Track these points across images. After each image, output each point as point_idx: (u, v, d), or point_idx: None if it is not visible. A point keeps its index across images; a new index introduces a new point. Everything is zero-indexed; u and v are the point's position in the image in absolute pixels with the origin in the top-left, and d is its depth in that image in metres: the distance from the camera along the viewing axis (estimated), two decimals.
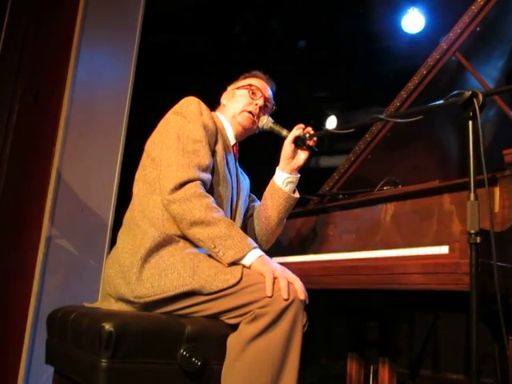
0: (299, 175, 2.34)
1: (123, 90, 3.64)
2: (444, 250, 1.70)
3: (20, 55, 3.15)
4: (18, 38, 3.16)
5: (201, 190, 1.90)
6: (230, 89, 2.39)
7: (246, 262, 1.83)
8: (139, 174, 2.09)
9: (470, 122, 1.59)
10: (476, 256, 1.49)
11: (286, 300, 1.72)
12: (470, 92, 1.60)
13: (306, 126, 2.30)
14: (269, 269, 1.79)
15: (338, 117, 6.55)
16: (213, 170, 2.06)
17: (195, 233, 1.85)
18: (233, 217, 2.17)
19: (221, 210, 1.93)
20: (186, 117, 2.05)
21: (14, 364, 2.99)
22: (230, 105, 2.31)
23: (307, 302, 1.79)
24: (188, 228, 1.86)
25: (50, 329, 2.12)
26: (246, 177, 2.42)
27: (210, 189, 2.03)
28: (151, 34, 4.20)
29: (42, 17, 3.26)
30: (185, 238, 1.93)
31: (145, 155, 2.11)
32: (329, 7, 5.33)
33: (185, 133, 2.00)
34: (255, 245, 1.87)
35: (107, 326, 1.60)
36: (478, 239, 1.49)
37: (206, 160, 1.99)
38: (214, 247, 1.83)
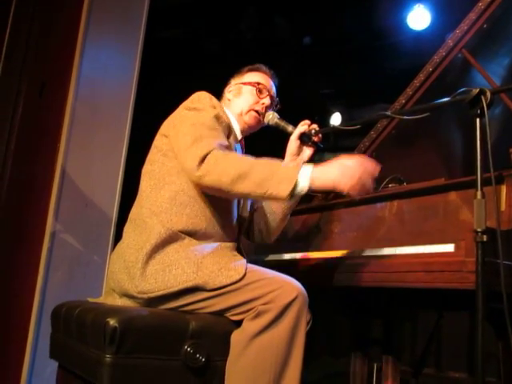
0: None
1: (128, 85, 3.64)
2: (449, 248, 1.70)
3: (25, 51, 3.14)
4: (23, 33, 3.16)
5: (221, 151, 1.88)
6: (233, 82, 2.36)
7: (302, 185, 1.78)
8: (146, 169, 2.08)
9: (478, 120, 1.58)
10: (482, 254, 1.48)
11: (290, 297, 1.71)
12: (478, 89, 1.59)
13: (312, 123, 2.29)
14: (330, 183, 1.77)
15: (342, 114, 6.54)
16: None
17: (240, 189, 1.80)
18: (240, 211, 2.17)
19: (247, 156, 1.91)
20: (199, 110, 2.03)
21: (18, 358, 3.00)
22: (236, 101, 2.29)
23: (376, 174, 1.80)
24: (231, 189, 1.81)
25: (54, 323, 2.12)
26: None
27: None
28: (156, 29, 4.19)
29: (47, 13, 3.25)
30: (190, 234, 1.92)
31: (154, 150, 2.09)
32: (334, 3, 5.32)
33: (199, 121, 1.99)
34: (299, 165, 1.85)
35: (112, 322, 1.60)
36: (485, 238, 1.49)
37: (223, 141, 1.99)
38: (266, 191, 1.77)
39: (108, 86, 3.54)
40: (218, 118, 2.04)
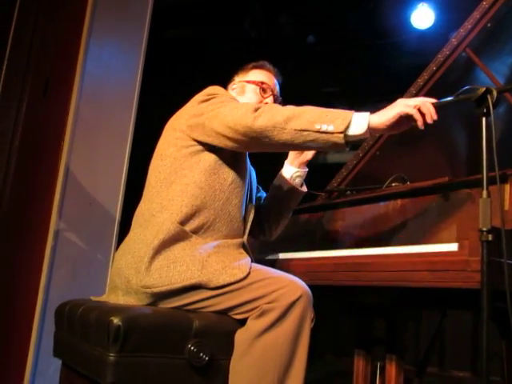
0: (307, 169, 2.35)
1: (132, 84, 3.65)
2: (453, 247, 1.69)
3: (29, 49, 3.15)
4: (27, 32, 3.16)
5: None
6: (237, 79, 2.36)
7: (360, 123, 1.73)
8: (156, 165, 2.06)
9: (484, 119, 1.58)
10: (488, 254, 1.48)
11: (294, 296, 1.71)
12: (484, 88, 1.59)
13: None
14: (393, 112, 1.73)
15: None
16: (237, 161, 2.05)
17: (294, 126, 1.77)
18: (247, 208, 2.16)
19: None
20: (218, 95, 2.02)
21: (21, 356, 3.01)
22: (239, 99, 2.27)
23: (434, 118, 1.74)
24: (284, 127, 1.78)
25: (58, 322, 2.12)
26: (253, 169, 2.41)
27: (234, 179, 2.03)
28: (160, 27, 4.20)
29: (51, 11, 3.26)
30: (198, 228, 1.92)
31: (165, 145, 2.06)
32: (338, 2, 5.32)
33: (226, 98, 2.00)
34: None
35: (115, 320, 1.60)
36: (490, 237, 1.48)
37: None
38: (320, 127, 1.73)
39: (112, 85, 3.54)
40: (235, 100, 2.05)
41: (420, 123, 1.71)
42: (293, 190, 2.32)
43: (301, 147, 1.91)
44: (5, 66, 3.11)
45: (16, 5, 3.18)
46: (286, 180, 2.32)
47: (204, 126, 1.95)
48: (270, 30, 5.66)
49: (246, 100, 2.26)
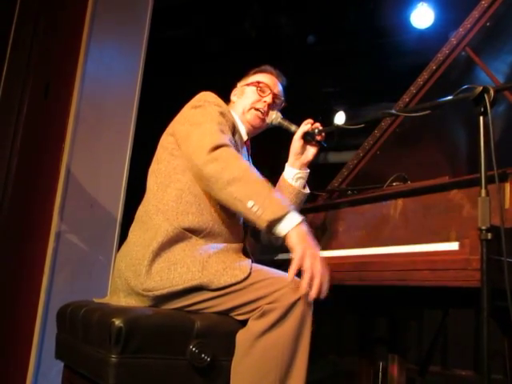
0: (309, 170, 2.35)
1: (132, 85, 3.65)
2: (454, 246, 1.69)
3: (30, 51, 3.16)
4: (28, 34, 3.17)
5: (237, 153, 1.88)
6: (239, 85, 2.39)
7: (283, 226, 1.74)
8: (153, 168, 2.09)
9: (481, 118, 1.58)
10: (487, 252, 1.48)
11: (295, 296, 1.72)
12: (482, 87, 1.59)
13: (315, 122, 2.30)
14: (301, 250, 1.71)
15: (346, 112, 6.54)
16: None
17: (232, 191, 1.78)
18: None
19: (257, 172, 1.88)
20: (205, 108, 2.04)
21: (23, 358, 3.01)
22: (239, 101, 2.31)
23: (321, 296, 1.70)
24: (224, 187, 1.79)
25: (59, 324, 2.13)
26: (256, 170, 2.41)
27: None
28: (160, 29, 4.20)
29: (51, 13, 3.26)
30: (197, 233, 1.92)
31: (161, 150, 2.10)
32: (338, 2, 5.32)
33: (208, 117, 1.99)
34: (294, 208, 1.81)
35: (117, 322, 1.61)
36: (490, 235, 1.48)
37: (230, 137, 2.00)
38: (252, 206, 1.74)
39: (112, 86, 3.55)
40: (223, 114, 2.04)
41: (290, 278, 1.70)
42: (296, 192, 2.32)
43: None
44: (5, 68, 3.12)
45: (16, 7, 3.18)
46: (288, 182, 2.32)
47: (178, 140, 2.02)
48: (270, 30, 5.66)
49: (243, 100, 2.29)
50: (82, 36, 3.36)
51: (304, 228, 1.77)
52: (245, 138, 2.27)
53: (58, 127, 3.24)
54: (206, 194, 1.97)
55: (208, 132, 1.92)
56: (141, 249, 1.87)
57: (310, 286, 1.68)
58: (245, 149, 2.24)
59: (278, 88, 2.37)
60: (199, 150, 1.86)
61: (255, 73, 2.38)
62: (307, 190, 2.37)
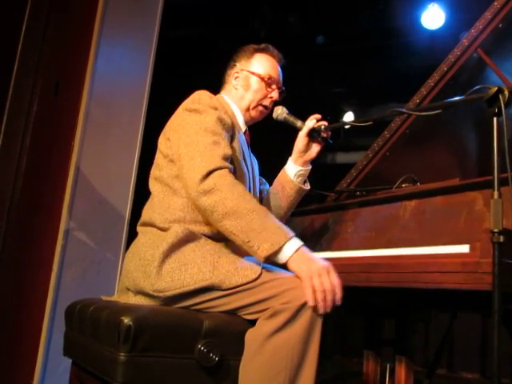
0: (311, 167, 2.34)
1: (142, 84, 3.65)
2: (465, 248, 1.68)
3: (40, 50, 3.16)
4: (38, 33, 3.18)
5: (231, 177, 1.84)
6: (240, 67, 2.28)
7: (282, 256, 1.73)
8: (156, 174, 2.05)
9: (495, 119, 1.57)
10: (499, 255, 1.47)
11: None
12: (496, 88, 1.58)
13: (321, 118, 2.28)
14: (305, 272, 1.70)
15: (355, 113, 6.54)
16: (232, 163, 2.00)
17: (227, 226, 1.77)
18: None
19: (253, 197, 1.85)
20: (201, 112, 1.99)
21: (31, 355, 3.02)
22: (243, 94, 2.24)
23: (337, 304, 1.70)
24: (220, 221, 1.79)
25: (68, 321, 2.13)
26: (255, 160, 2.37)
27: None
28: (170, 27, 4.20)
29: (61, 12, 3.27)
30: (207, 234, 1.91)
31: (159, 154, 2.07)
32: (348, 2, 5.31)
33: (202, 127, 1.94)
34: (292, 234, 1.76)
35: (126, 320, 1.60)
36: (502, 238, 1.47)
37: (227, 150, 1.93)
38: (248, 241, 1.74)
39: (122, 85, 3.55)
40: (220, 120, 1.99)
41: (310, 300, 1.67)
42: (297, 188, 2.32)
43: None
44: (16, 66, 3.13)
45: (27, 5, 3.19)
46: (289, 178, 2.31)
47: (168, 156, 2.00)
48: (280, 30, 5.66)
49: (251, 96, 2.22)
50: (92, 34, 3.36)
51: (304, 250, 1.76)
52: (243, 128, 2.24)
53: (68, 125, 3.25)
54: None
55: (200, 155, 1.86)
56: (150, 249, 1.86)
57: (325, 301, 1.68)
58: (243, 140, 2.19)
59: (281, 77, 2.31)
60: (191, 180, 1.83)
61: (256, 51, 2.31)
62: (308, 186, 2.36)
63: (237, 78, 2.27)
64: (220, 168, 1.84)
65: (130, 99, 3.59)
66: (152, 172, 2.09)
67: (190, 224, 1.91)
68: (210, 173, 1.81)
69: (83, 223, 3.25)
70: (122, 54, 3.58)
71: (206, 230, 1.93)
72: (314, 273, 1.68)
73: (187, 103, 2.05)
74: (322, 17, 5.58)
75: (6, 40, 3.14)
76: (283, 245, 1.72)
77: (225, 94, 2.28)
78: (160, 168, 2.03)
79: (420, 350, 4.55)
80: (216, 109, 2.01)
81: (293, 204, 2.35)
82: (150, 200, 2.06)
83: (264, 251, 1.72)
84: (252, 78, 2.25)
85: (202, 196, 1.80)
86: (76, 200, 3.20)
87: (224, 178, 1.82)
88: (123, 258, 2.82)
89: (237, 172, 2.04)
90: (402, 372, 2.37)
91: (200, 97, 2.05)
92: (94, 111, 3.33)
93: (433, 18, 5.22)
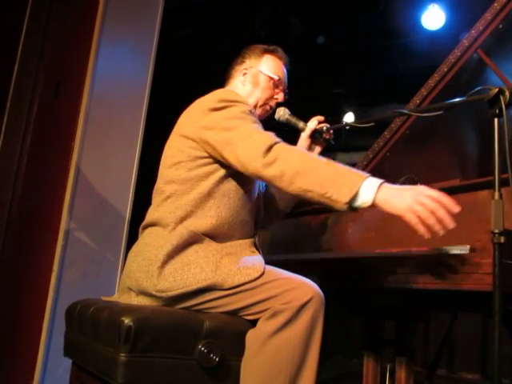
0: None
1: (142, 85, 3.66)
2: (464, 249, 1.68)
3: (40, 50, 3.16)
4: (39, 33, 3.18)
5: (288, 145, 1.82)
6: (249, 64, 2.26)
7: (365, 198, 1.64)
8: (170, 174, 1.97)
9: (496, 120, 1.57)
10: (500, 256, 1.47)
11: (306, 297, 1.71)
12: (497, 89, 1.58)
13: (323, 120, 2.28)
14: (403, 206, 1.59)
15: (355, 113, 6.54)
16: None
17: (300, 184, 1.72)
18: (257, 208, 2.15)
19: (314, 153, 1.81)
20: (233, 104, 1.95)
21: (31, 355, 3.02)
22: (252, 91, 2.22)
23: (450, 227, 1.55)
24: (291, 182, 1.73)
25: (68, 321, 2.13)
26: None
27: (248, 185, 2.00)
28: (170, 28, 4.20)
29: (62, 12, 3.27)
30: (211, 236, 1.90)
31: (178, 153, 1.98)
32: (349, 3, 5.31)
33: (239, 115, 1.91)
34: (367, 174, 1.68)
35: (126, 321, 1.61)
36: (502, 239, 1.47)
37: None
38: (326, 192, 1.67)
39: (122, 86, 3.56)
40: (251, 112, 1.98)
41: (423, 231, 1.58)
42: None
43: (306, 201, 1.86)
44: (16, 67, 3.13)
45: (27, 5, 3.19)
46: None
47: (214, 147, 1.91)
48: (280, 30, 5.66)
49: (259, 94, 2.21)
50: (92, 35, 3.36)
51: (387, 185, 1.66)
52: None
53: (68, 126, 3.25)
54: (226, 196, 1.95)
55: (252, 134, 1.85)
56: (153, 249, 1.85)
57: (440, 220, 1.56)
58: None
59: (286, 80, 2.31)
60: (253, 156, 1.79)
61: (265, 52, 2.29)
62: None
63: (245, 74, 2.25)
64: (276, 143, 1.81)
65: (130, 100, 3.59)
66: (166, 170, 2.01)
67: (200, 219, 1.89)
68: (270, 147, 1.79)
69: (83, 223, 3.25)
70: (123, 55, 3.58)
71: (214, 224, 1.91)
72: (410, 202, 1.59)
73: (211, 101, 1.98)
74: (323, 17, 5.58)
75: (7, 40, 3.14)
76: (361, 185, 1.65)
77: (230, 89, 2.25)
78: (177, 167, 1.97)
79: (420, 350, 4.55)
80: (246, 104, 2.00)
81: (290, 203, 2.35)
82: (160, 199, 1.99)
83: (344, 197, 1.65)
84: (261, 76, 2.24)
85: (268, 167, 1.76)
86: (76, 200, 3.20)
87: (283, 147, 1.80)
88: (123, 259, 2.83)
89: (252, 185, 2.05)
90: (402, 372, 2.37)
91: (226, 94, 2.01)
92: (95, 112, 3.33)
93: (433, 18, 5.23)
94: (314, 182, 1.70)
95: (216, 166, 1.95)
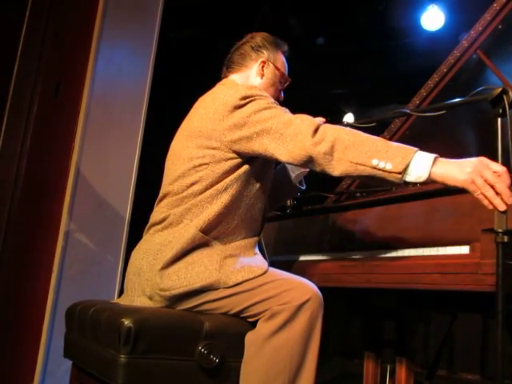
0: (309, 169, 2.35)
1: (142, 85, 3.65)
2: (465, 250, 1.69)
3: (40, 51, 3.16)
4: (39, 34, 3.18)
5: (333, 125, 1.80)
6: (267, 55, 2.19)
7: (420, 171, 1.62)
8: (195, 176, 1.90)
9: (499, 120, 1.57)
10: (503, 256, 1.47)
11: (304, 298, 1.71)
12: (501, 88, 1.58)
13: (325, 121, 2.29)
14: (463, 177, 1.57)
15: (355, 114, 6.54)
16: (270, 164, 2.02)
17: (351, 157, 1.68)
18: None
19: None
20: (259, 97, 1.90)
21: (31, 356, 3.02)
22: (267, 83, 2.17)
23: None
24: (341, 158, 1.70)
25: (68, 323, 2.13)
26: None
27: (262, 184, 1.99)
28: (170, 29, 4.20)
29: (62, 13, 3.27)
30: (220, 239, 1.89)
31: (199, 153, 1.91)
32: (348, 3, 5.32)
33: (273, 109, 1.87)
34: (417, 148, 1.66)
35: (126, 322, 1.61)
36: (506, 238, 1.47)
37: None
38: (378, 163, 1.64)
39: (122, 86, 3.55)
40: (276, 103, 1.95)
41: (486, 203, 1.55)
42: (293, 186, 2.35)
43: (357, 178, 1.83)
44: (16, 67, 3.13)
45: (27, 6, 3.19)
46: (287, 175, 2.32)
47: (251, 139, 1.85)
48: (280, 31, 5.65)
49: (269, 86, 2.16)
50: (92, 35, 3.36)
51: (442, 159, 1.65)
52: None
53: (68, 126, 3.25)
54: (240, 194, 1.92)
55: (293, 120, 1.81)
56: (164, 248, 1.84)
57: (502, 192, 1.53)
58: None
59: None
60: (301, 140, 1.75)
61: (280, 50, 2.25)
62: (303, 186, 2.39)
63: (263, 67, 2.18)
64: (319, 124, 1.79)
65: (130, 100, 3.59)
66: (178, 167, 1.95)
67: (213, 216, 1.86)
68: (317, 128, 1.76)
69: (83, 225, 3.24)
70: (122, 55, 3.58)
71: (225, 228, 1.90)
72: (471, 174, 1.56)
73: (233, 97, 1.90)
74: (323, 18, 5.59)
75: (7, 40, 3.14)
76: (414, 154, 1.63)
77: (239, 78, 2.19)
78: (197, 169, 1.90)
79: (420, 351, 4.55)
80: (267, 96, 1.96)
81: (284, 200, 2.41)
82: (172, 201, 1.93)
83: (398, 166, 1.62)
84: (275, 72, 2.20)
85: (317, 145, 1.72)
86: (76, 201, 3.20)
87: (329, 126, 1.78)
88: (124, 259, 2.82)
89: (266, 184, 2.04)
90: (402, 373, 2.37)
91: (250, 90, 1.93)
92: (94, 112, 3.33)
93: (432, 19, 5.23)
94: (366, 155, 1.67)
95: (237, 166, 1.91)
